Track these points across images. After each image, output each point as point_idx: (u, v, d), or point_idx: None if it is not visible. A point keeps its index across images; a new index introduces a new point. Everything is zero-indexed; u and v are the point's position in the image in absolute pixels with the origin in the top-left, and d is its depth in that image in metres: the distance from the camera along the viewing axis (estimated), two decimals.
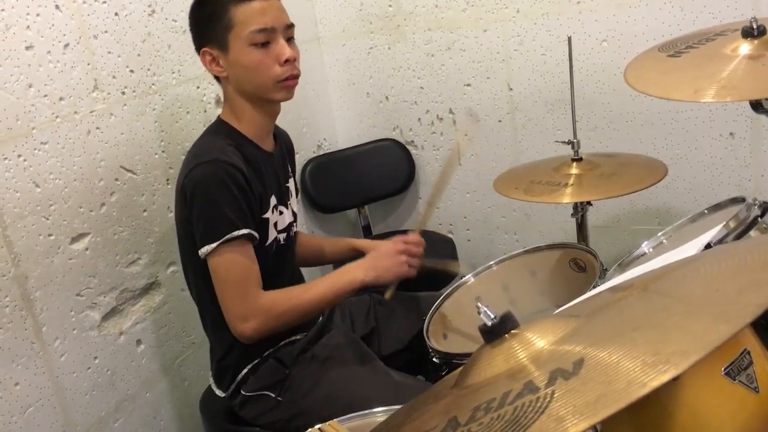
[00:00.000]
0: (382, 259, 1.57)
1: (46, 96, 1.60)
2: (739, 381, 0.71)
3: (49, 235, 1.61)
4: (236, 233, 1.44)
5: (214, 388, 1.67)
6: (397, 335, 1.80)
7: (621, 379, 0.54)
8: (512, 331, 0.75)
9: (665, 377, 0.51)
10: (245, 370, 1.59)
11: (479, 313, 0.78)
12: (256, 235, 1.48)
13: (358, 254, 1.77)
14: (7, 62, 1.52)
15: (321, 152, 2.69)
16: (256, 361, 1.59)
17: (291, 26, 1.54)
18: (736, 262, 0.71)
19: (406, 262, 1.57)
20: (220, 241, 1.43)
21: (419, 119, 2.61)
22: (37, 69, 1.58)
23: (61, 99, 1.64)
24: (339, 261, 1.88)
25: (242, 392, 1.60)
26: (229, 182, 1.44)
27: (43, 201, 1.60)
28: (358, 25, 2.58)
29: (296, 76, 1.54)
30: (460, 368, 0.80)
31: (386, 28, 2.54)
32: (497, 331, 0.76)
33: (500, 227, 2.62)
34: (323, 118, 2.71)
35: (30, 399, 1.58)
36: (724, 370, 0.70)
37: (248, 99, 1.55)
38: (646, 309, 0.69)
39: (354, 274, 1.55)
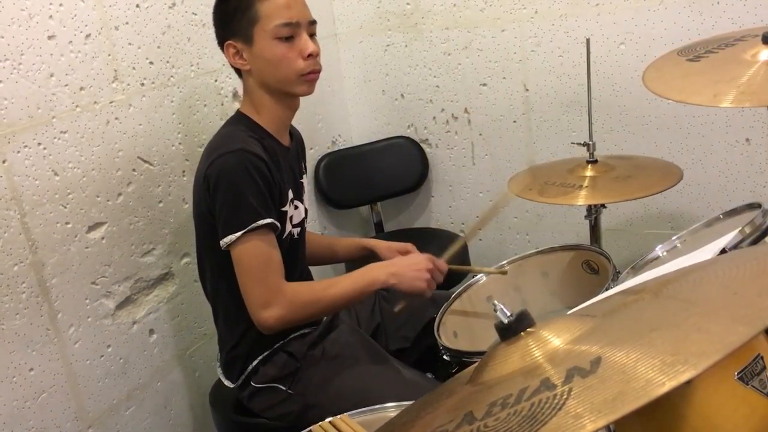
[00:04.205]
0: (409, 269, 1.55)
1: (66, 85, 1.62)
2: (752, 386, 0.71)
3: (67, 223, 1.63)
4: (260, 222, 1.44)
5: (222, 378, 1.68)
6: (402, 332, 1.81)
7: (639, 377, 0.54)
8: (528, 330, 0.76)
9: (684, 377, 0.51)
10: (255, 362, 1.60)
11: (495, 311, 0.79)
12: (278, 224, 1.49)
13: (369, 253, 1.78)
14: (29, 51, 1.54)
15: (335, 148, 2.70)
16: (266, 353, 1.60)
17: (314, 22, 1.56)
18: (754, 266, 0.71)
19: (426, 281, 1.55)
20: (245, 230, 1.44)
21: (434, 117, 2.62)
22: (58, 58, 1.60)
23: (81, 89, 1.65)
24: (349, 260, 1.89)
25: (252, 383, 1.61)
26: (253, 172, 1.45)
27: (61, 189, 1.61)
28: (376, 22, 2.59)
29: (318, 71, 1.56)
30: (475, 365, 0.81)
31: (403, 25, 2.55)
32: (513, 329, 0.76)
33: (512, 227, 2.62)
34: (338, 115, 2.72)
35: (44, 385, 1.59)
36: (737, 374, 0.71)
37: (270, 92, 1.56)
38: (663, 310, 0.69)
39: (377, 274, 1.54)
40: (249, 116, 1.59)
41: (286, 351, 1.61)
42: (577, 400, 0.56)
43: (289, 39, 1.51)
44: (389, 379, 1.57)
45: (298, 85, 1.55)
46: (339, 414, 1.32)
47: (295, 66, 1.52)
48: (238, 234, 1.44)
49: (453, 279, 2.37)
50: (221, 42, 1.57)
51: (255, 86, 1.57)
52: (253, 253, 1.46)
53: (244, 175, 1.44)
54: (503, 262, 1.78)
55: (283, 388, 1.59)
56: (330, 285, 1.55)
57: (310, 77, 1.55)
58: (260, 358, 1.60)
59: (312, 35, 1.55)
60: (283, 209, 1.56)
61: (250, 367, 1.61)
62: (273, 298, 1.46)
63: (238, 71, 1.60)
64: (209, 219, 1.51)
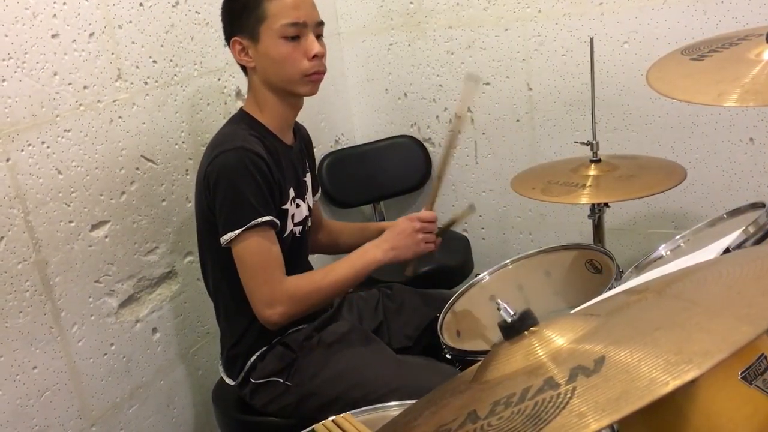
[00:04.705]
0: (400, 238, 1.58)
1: (70, 84, 1.62)
2: (756, 385, 0.71)
3: (70, 221, 1.63)
4: (260, 220, 1.45)
5: (224, 377, 1.69)
6: (405, 331, 1.81)
7: (643, 377, 0.54)
8: (531, 329, 0.76)
9: (688, 376, 0.51)
10: (254, 358, 1.61)
11: (499, 310, 0.79)
12: (278, 222, 1.50)
13: None
14: (33, 50, 1.54)
15: (338, 147, 2.70)
16: (264, 349, 1.61)
17: (321, 23, 1.56)
18: (758, 265, 0.71)
19: (423, 240, 1.59)
20: (244, 227, 1.44)
21: (437, 117, 2.62)
22: (62, 57, 1.60)
23: (85, 87, 1.65)
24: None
25: (251, 380, 1.62)
26: (252, 170, 1.45)
27: (65, 188, 1.62)
28: (379, 21, 2.59)
29: (322, 72, 1.56)
30: (478, 364, 0.81)
31: (407, 24, 2.55)
32: (516, 328, 0.76)
33: (515, 227, 2.62)
34: (341, 114, 2.72)
35: (47, 383, 1.60)
36: (741, 374, 0.70)
37: (273, 91, 1.57)
38: (667, 310, 0.69)
39: (373, 254, 1.56)
40: (251, 114, 1.60)
41: (282, 344, 1.62)
42: (580, 399, 0.56)
43: (295, 39, 1.51)
44: (381, 358, 1.59)
45: (302, 85, 1.55)
46: (335, 399, 1.33)
47: (300, 66, 1.52)
48: (237, 231, 1.45)
49: (456, 278, 2.38)
50: (228, 38, 1.58)
51: (259, 84, 1.57)
52: (254, 251, 1.46)
53: (243, 173, 1.45)
54: (506, 261, 1.78)
55: (281, 380, 1.60)
56: (328, 272, 1.56)
57: (314, 78, 1.55)
58: (258, 353, 1.61)
59: (319, 36, 1.56)
60: (284, 207, 1.56)
61: (249, 364, 1.61)
62: (276, 295, 1.48)
63: (244, 68, 1.60)
64: (210, 216, 1.51)
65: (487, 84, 2.47)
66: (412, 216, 1.62)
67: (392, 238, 1.59)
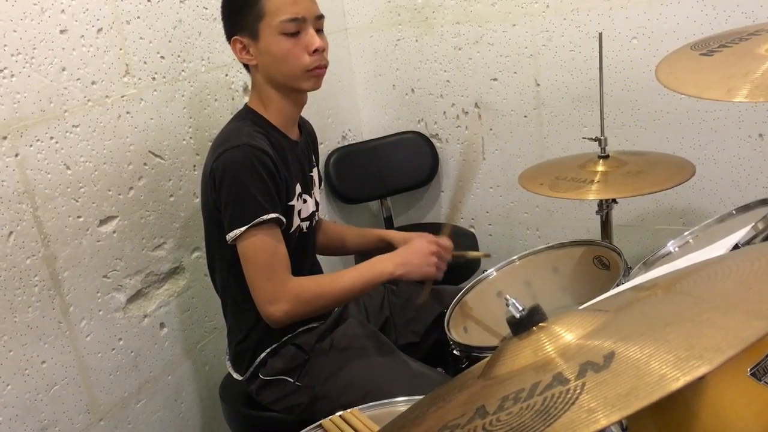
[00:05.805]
0: (414, 256, 1.57)
1: (78, 79, 1.63)
2: (765, 382, 0.70)
3: (78, 216, 1.64)
4: (265, 217, 1.45)
5: (231, 371, 1.69)
6: (411, 326, 1.81)
7: (653, 372, 0.54)
8: (540, 324, 0.75)
9: (698, 372, 0.51)
10: (264, 354, 1.61)
11: (507, 305, 0.78)
12: (283, 219, 1.50)
13: (386, 245, 1.78)
14: (41, 45, 1.54)
15: (345, 143, 2.70)
16: (274, 346, 1.61)
17: (321, 17, 1.55)
18: None
19: (435, 264, 1.57)
20: (249, 224, 1.44)
21: (444, 112, 2.61)
22: (70, 53, 1.60)
23: (93, 83, 1.66)
24: (365, 251, 1.89)
25: (260, 376, 1.62)
26: (258, 166, 1.45)
27: (73, 183, 1.62)
28: (386, 16, 2.58)
29: (324, 66, 1.55)
30: (487, 359, 0.80)
31: (414, 20, 2.54)
32: (525, 324, 0.76)
33: (522, 223, 2.61)
34: (349, 109, 2.72)
35: (56, 377, 1.60)
36: (750, 370, 0.70)
37: (276, 87, 1.57)
38: (677, 305, 0.69)
39: (384, 266, 1.55)
40: (256, 111, 1.59)
41: (294, 344, 1.62)
42: (590, 395, 0.56)
43: (294, 34, 1.50)
44: (397, 370, 1.58)
45: (304, 81, 1.55)
46: (347, 406, 1.32)
47: (301, 61, 1.52)
48: (243, 228, 1.45)
49: (463, 273, 2.37)
50: (228, 37, 1.58)
51: (262, 81, 1.57)
52: (259, 248, 1.46)
53: (248, 170, 1.45)
54: (514, 257, 1.78)
55: (291, 380, 1.60)
56: (336, 278, 1.55)
57: (316, 72, 1.55)
58: (268, 350, 1.61)
59: (319, 30, 1.55)
60: (291, 203, 1.56)
61: (258, 360, 1.62)
62: (279, 293, 1.47)
63: (247, 66, 1.60)
64: (216, 213, 1.52)
65: (495, 80, 2.47)
66: (431, 239, 1.61)
67: (407, 254, 1.58)
